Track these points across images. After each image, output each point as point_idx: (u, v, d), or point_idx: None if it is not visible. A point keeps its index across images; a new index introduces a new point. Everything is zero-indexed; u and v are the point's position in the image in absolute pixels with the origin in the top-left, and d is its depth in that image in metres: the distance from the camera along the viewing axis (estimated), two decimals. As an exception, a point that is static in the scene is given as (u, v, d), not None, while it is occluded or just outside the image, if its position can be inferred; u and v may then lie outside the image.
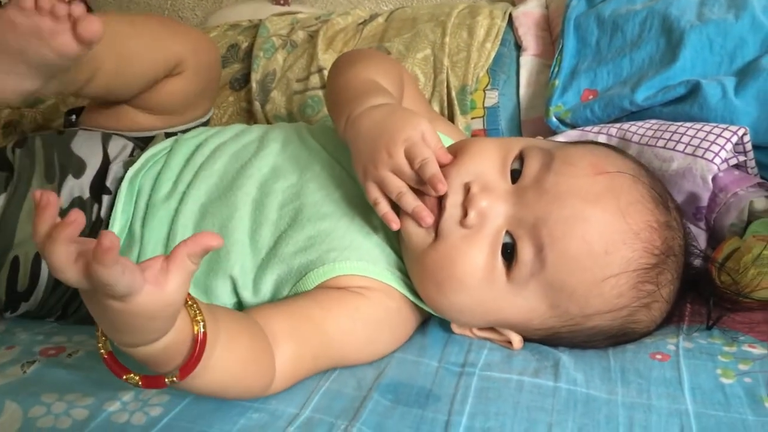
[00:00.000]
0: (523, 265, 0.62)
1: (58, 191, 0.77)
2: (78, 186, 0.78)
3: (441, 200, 0.64)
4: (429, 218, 0.63)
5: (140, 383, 0.50)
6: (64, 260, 0.41)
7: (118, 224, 0.75)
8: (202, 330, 0.50)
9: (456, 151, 0.67)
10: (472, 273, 0.63)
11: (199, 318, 0.50)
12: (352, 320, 0.65)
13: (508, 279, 0.63)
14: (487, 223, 0.63)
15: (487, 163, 0.66)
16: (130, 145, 0.84)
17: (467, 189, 0.64)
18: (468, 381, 0.62)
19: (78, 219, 0.41)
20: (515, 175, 0.65)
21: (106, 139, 0.83)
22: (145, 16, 0.93)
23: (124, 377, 0.50)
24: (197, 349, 0.50)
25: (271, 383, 0.59)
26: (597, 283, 0.61)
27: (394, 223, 0.65)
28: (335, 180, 0.74)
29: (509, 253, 0.63)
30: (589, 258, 0.61)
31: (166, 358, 0.50)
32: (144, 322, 0.46)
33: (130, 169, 0.78)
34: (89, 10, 1.70)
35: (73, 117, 0.92)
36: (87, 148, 0.81)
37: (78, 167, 0.79)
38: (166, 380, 0.50)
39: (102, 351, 0.50)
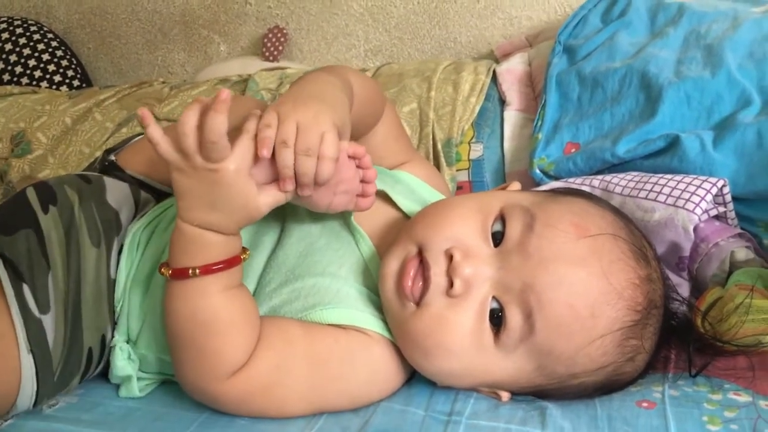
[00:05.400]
0: (512, 331, 0.62)
1: (108, 255, 0.74)
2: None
3: (425, 270, 0.64)
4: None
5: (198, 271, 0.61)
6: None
7: (123, 273, 0.74)
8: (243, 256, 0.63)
9: (432, 215, 0.67)
10: (460, 340, 0.63)
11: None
12: (328, 348, 0.65)
13: (495, 344, 0.63)
14: (473, 290, 0.63)
15: (468, 227, 0.65)
16: (152, 202, 0.83)
17: (449, 256, 0.63)
18: (455, 429, 0.62)
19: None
20: (497, 237, 0.65)
21: (136, 193, 0.81)
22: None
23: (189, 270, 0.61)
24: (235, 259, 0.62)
25: (244, 359, 0.63)
26: (584, 345, 0.61)
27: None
28: (317, 232, 0.73)
29: (496, 318, 0.63)
30: (576, 322, 0.61)
31: (219, 250, 0.61)
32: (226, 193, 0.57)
33: (132, 225, 0.77)
34: (87, 80, 1.67)
35: (113, 157, 0.88)
36: (119, 199, 0.79)
37: (118, 226, 0.77)
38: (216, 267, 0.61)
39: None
